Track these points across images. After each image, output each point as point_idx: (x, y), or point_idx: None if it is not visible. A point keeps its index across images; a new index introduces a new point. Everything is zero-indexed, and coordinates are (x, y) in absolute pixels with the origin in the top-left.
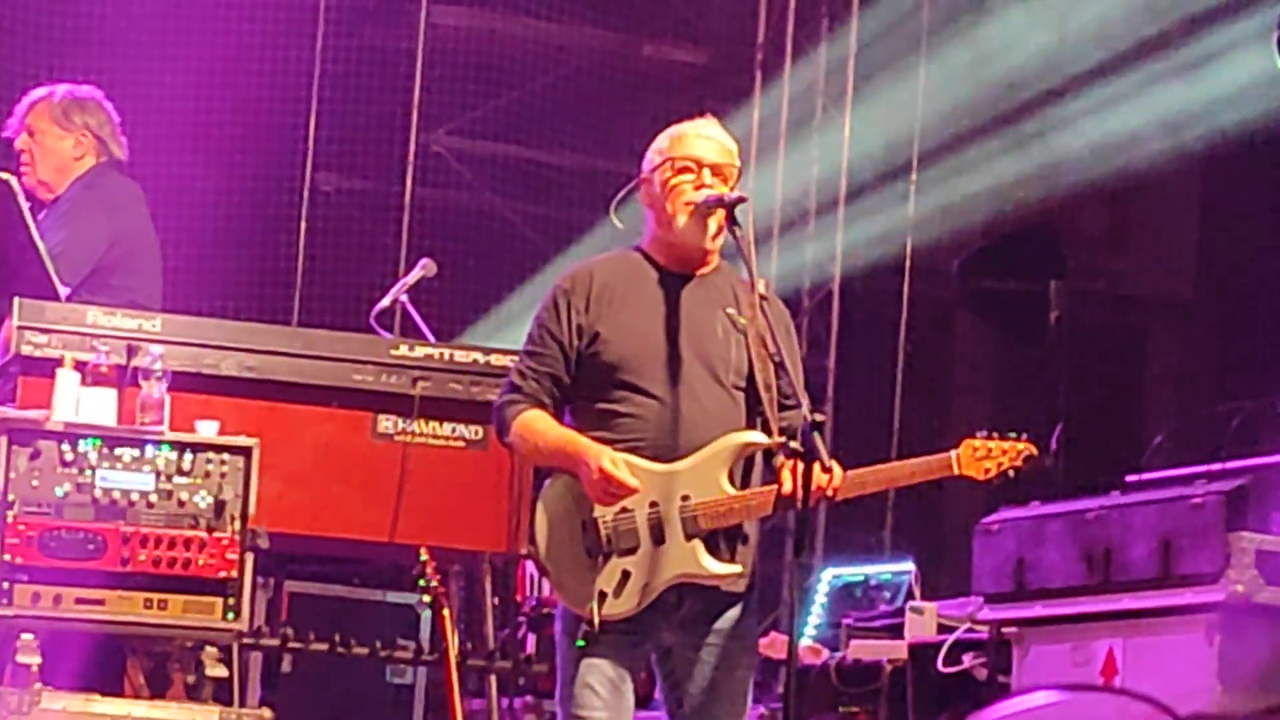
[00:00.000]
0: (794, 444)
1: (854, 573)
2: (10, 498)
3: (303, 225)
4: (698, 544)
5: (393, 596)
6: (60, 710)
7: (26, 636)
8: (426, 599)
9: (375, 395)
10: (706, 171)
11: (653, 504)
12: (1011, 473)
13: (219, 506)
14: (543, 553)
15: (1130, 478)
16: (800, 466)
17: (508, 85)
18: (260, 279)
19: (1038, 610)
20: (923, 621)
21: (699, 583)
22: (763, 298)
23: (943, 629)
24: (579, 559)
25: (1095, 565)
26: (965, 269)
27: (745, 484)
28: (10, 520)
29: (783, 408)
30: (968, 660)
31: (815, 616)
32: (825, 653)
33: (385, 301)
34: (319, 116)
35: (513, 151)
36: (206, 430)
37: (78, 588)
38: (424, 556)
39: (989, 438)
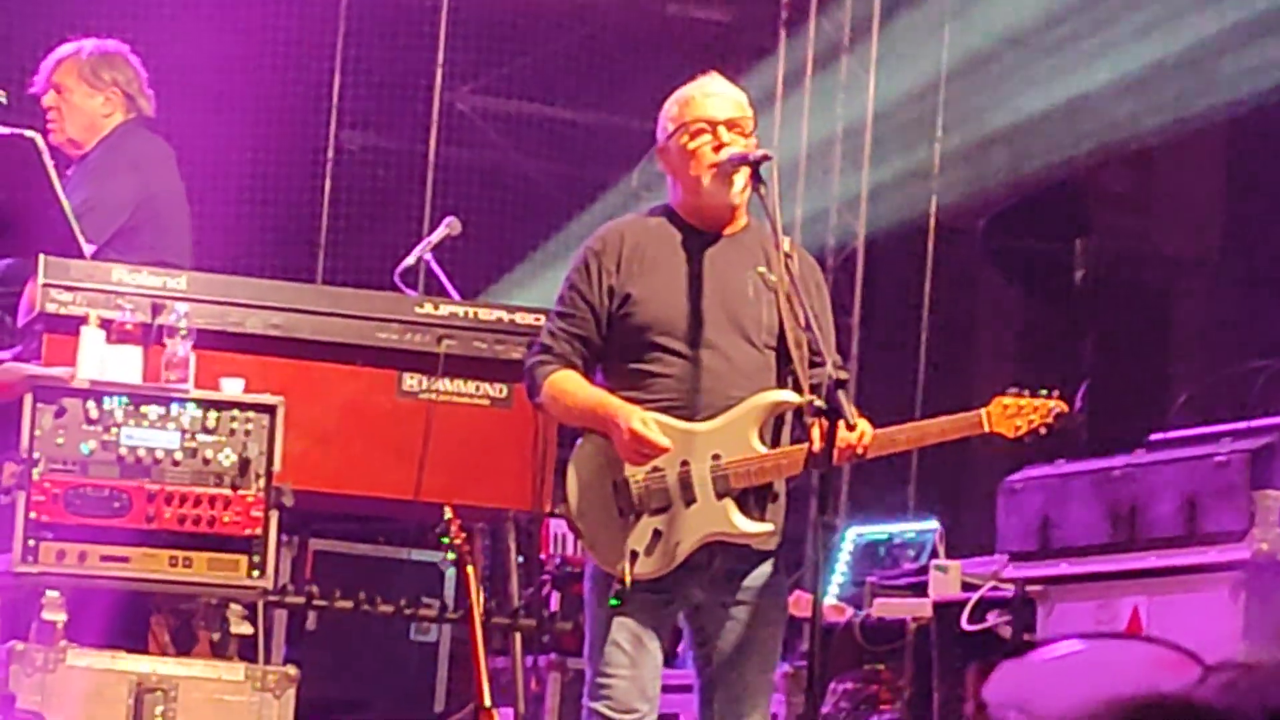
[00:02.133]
0: (819, 402)
1: (878, 531)
2: (36, 455)
3: (327, 184)
4: (729, 503)
5: (417, 554)
6: (85, 667)
7: (51, 594)
8: (451, 557)
9: (400, 353)
10: (722, 129)
11: (683, 463)
12: (1042, 430)
13: (244, 464)
14: (574, 512)
15: (1155, 436)
16: (826, 424)
17: (532, 43)
18: (285, 237)
19: (1062, 568)
20: (947, 580)
21: (730, 541)
22: (788, 255)
23: (967, 587)
24: (611, 518)
25: (1120, 523)
26: (990, 228)
27: (776, 442)
28: (36, 478)
29: (812, 365)
30: (992, 618)
31: (839, 575)
32: (849, 611)
33: (410, 260)
34: (344, 75)
35: (537, 110)
36: (231, 388)
37: (103, 545)
38: (448, 514)
39: (1019, 395)
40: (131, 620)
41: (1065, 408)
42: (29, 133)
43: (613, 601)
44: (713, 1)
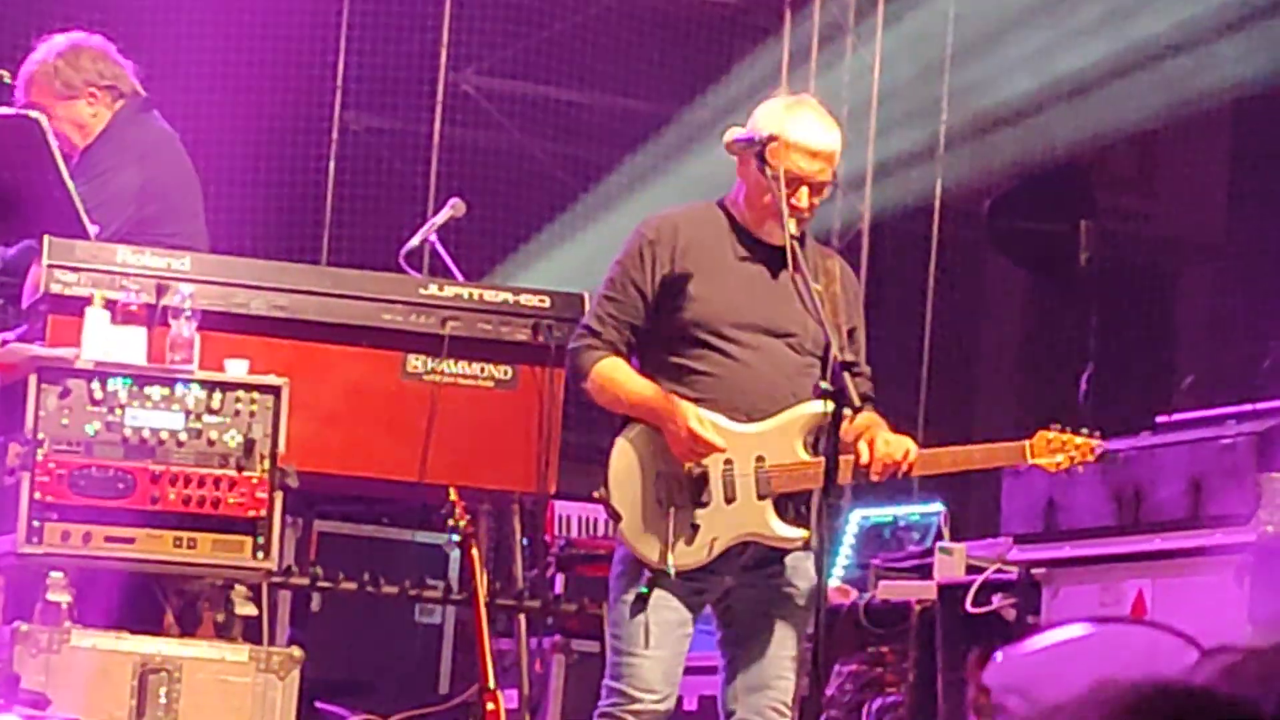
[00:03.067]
0: (824, 384)
1: (882, 513)
2: (40, 436)
3: (332, 165)
4: (768, 505)
5: (421, 536)
6: (90, 648)
7: (56, 574)
8: (455, 539)
9: (405, 335)
10: (804, 191)
11: (727, 461)
12: (1080, 468)
13: (248, 445)
14: (615, 498)
15: (1160, 418)
16: (831, 405)
17: (537, 24)
18: (290, 218)
19: (1067, 551)
20: (952, 562)
21: (765, 543)
22: (831, 265)
23: (971, 570)
24: (650, 508)
25: (1125, 506)
26: (995, 209)
27: (816, 452)
28: (40, 459)
29: (857, 374)
30: (997, 601)
31: (844, 557)
32: (854, 593)
33: (414, 241)
34: (348, 56)
35: (542, 91)
36: (236, 369)
37: (107, 526)
38: (453, 496)
39: (1063, 430)
40: (136, 601)
41: (1105, 447)
42: (33, 113)
43: (643, 590)
44: None
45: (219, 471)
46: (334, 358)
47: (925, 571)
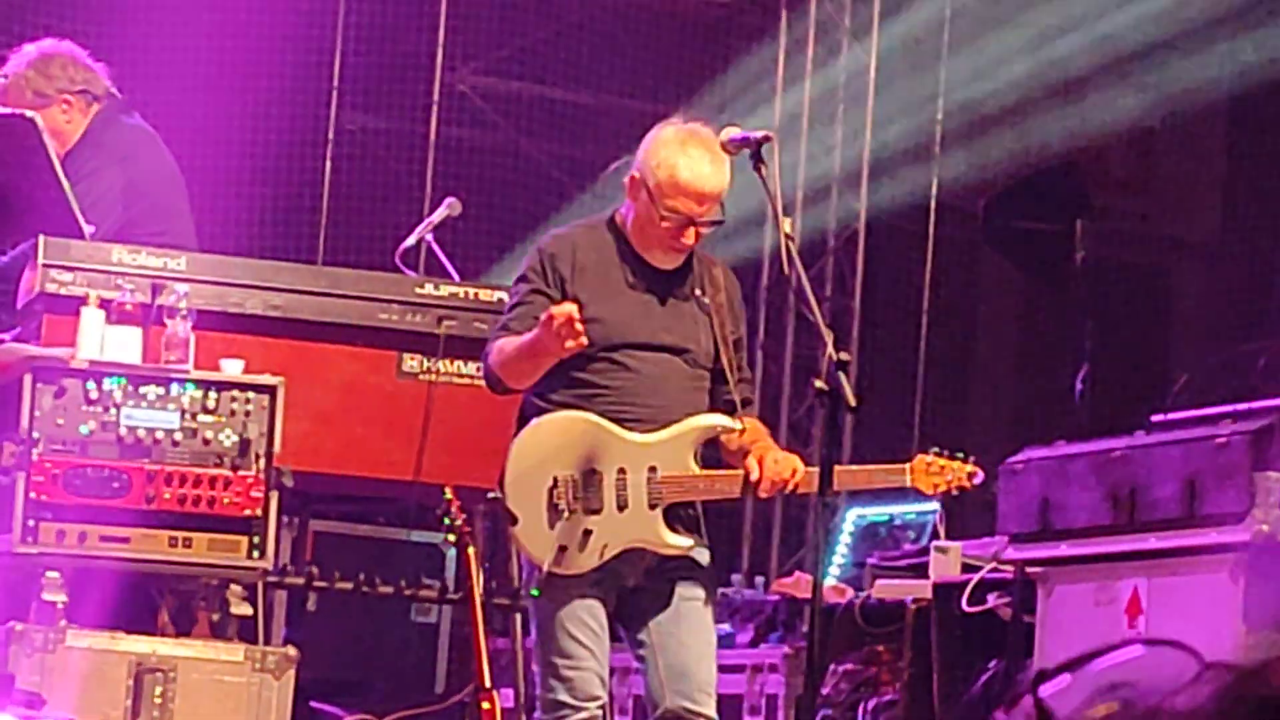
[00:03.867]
0: (820, 383)
1: (878, 512)
2: (35, 436)
3: (328, 164)
4: (659, 514)
5: (417, 535)
6: (85, 648)
7: (52, 574)
8: (451, 538)
9: (400, 334)
10: (692, 231)
11: (620, 470)
12: (955, 491)
13: (244, 445)
14: (510, 501)
15: (1156, 417)
16: (828, 405)
17: (533, 24)
18: (285, 218)
19: (1062, 550)
20: (947, 561)
21: (654, 551)
22: (714, 276)
23: (967, 568)
24: (544, 512)
25: (1120, 505)
26: (990, 208)
27: (706, 464)
28: (35, 458)
29: (741, 380)
30: (992, 600)
31: (839, 556)
32: (849, 592)
33: (410, 240)
34: (344, 55)
35: (538, 90)
36: (231, 369)
37: (103, 525)
38: (448, 495)
39: (939, 455)
40: (131, 601)
41: (981, 474)
42: (28, 113)
43: (534, 592)
44: None
45: (214, 471)
46: (330, 357)
47: (921, 570)
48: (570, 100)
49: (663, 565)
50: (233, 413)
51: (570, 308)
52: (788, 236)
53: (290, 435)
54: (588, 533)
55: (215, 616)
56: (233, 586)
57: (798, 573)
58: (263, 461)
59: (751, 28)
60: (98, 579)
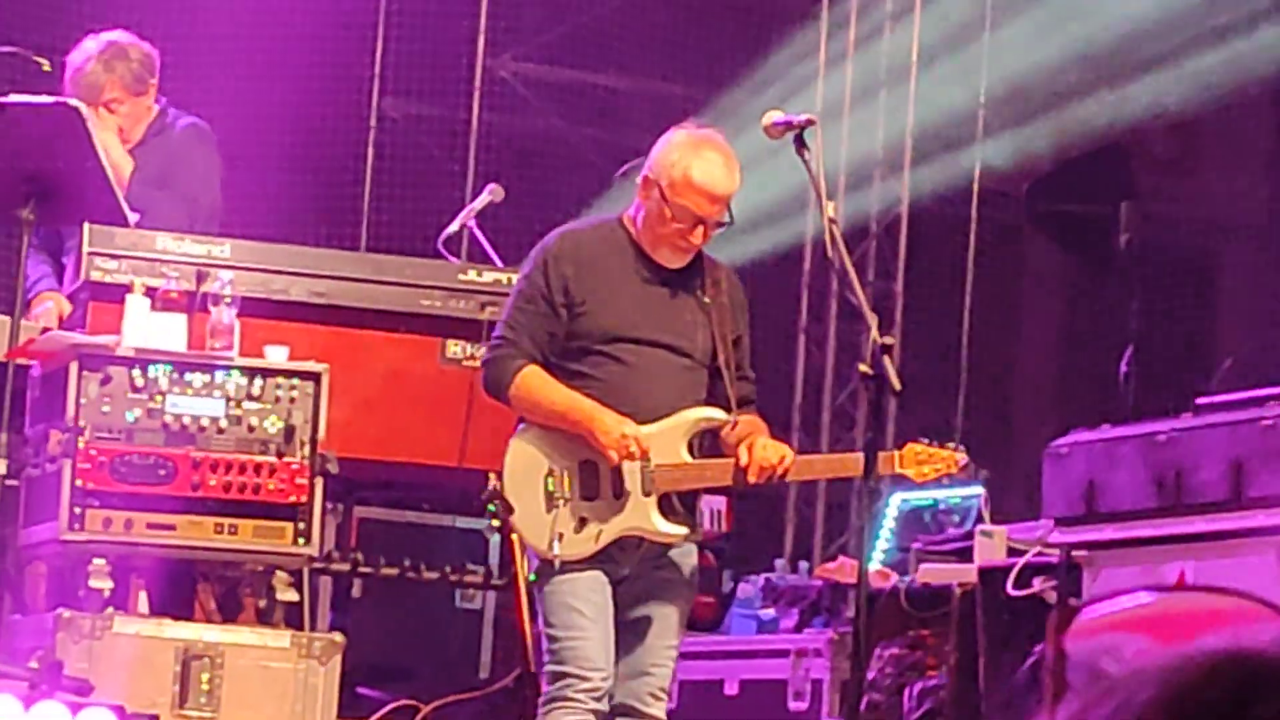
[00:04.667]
0: (864, 367)
1: (923, 497)
2: (81, 423)
3: (370, 151)
4: (652, 502)
5: (461, 522)
6: (132, 635)
7: (98, 561)
8: (495, 524)
9: (443, 320)
10: (700, 230)
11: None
12: (945, 479)
13: (289, 432)
14: (508, 491)
15: (1201, 400)
16: (872, 390)
17: (574, 10)
18: (328, 205)
19: (1108, 533)
20: (992, 545)
21: (646, 538)
22: (715, 280)
23: (1012, 552)
24: (541, 501)
25: (1166, 488)
26: (1034, 192)
27: (696, 454)
28: (81, 446)
29: (740, 379)
30: (1038, 584)
31: (884, 541)
32: (894, 577)
33: (453, 227)
34: (386, 43)
35: (579, 76)
36: (276, 356)
37: (148, 513)
38: (493, 481)
39: (929, 444)
40: (178, 588)
41: (967, 463)
42: (72, 101)
43: (532, 577)
44: None
45: (259, 458)
46: (373, 343)
47: (966, 555)
48: (612, 85)
49: (654, 560)
50: (277, 399)
51: (645, 447)
52: (831, 220)
53: (334, 422)
54: (584, 520)
55: (261, 603)
56: (278, 573)
57: (842, 557)
58: (307, 448)
59: (793, 11)
60: (144, 566)
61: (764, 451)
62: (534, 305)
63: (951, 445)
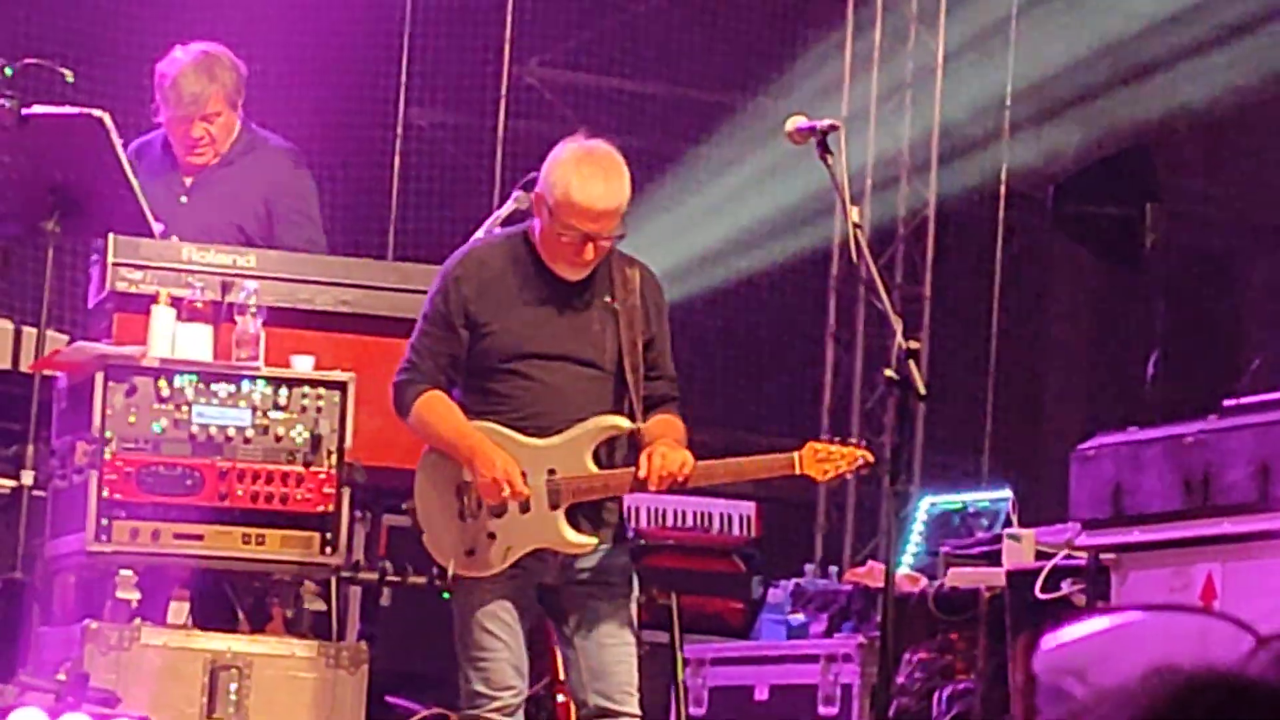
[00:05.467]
0: (890, 372)
1: (951, 500)
2: (108, 434)
3: (396, 160)
4: (560, 515)
5: None
6: (160, 645)
7: (125, 572)
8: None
9: None
10: (591, 247)
11: (522, 474)
12: (849, 475)
13: (315, 441)
14: (419, 509)
15: (1228, 402)
16: (899, 394)
17: (599, 15)
18: (355, 214)
19: (1136, 536)
20: (1020, 548)
21: (557, 549)
22: (633, 282)
23: (1041, 556)
24: (449, 519)
25: (1193, 490)
26: (1060, 194)
27: (610, 463)
28: (108, 457)
29: (650, 379)
30: (1066, 587)
31: (913, 545)
32: (923, 581)
33: (479, 234)
34: (411, 51)
35: (605, 82)
36: (302, 365)
37: (176, 523)
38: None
39: (830, 442)
40: (205, 598)
41: (870, 458)
42: (96, 112)
43: (444, 595)
44: None
45: (286, 467)
46: (400, 352)
47: (994, 558)
48: (638, 91)
49: (574, 565)
50: (304, 409)
51: (522, 491)
52: (856, 225)
53: (361, 431)
54: (492, 535)
55: (289, 613)
56: (306, 583)
57: (871, 562)
58: (334, 457)
59: (819, 14)
60: (171, 577)
61: (662, 460)
62: (436, 328)
63: (854, 441)
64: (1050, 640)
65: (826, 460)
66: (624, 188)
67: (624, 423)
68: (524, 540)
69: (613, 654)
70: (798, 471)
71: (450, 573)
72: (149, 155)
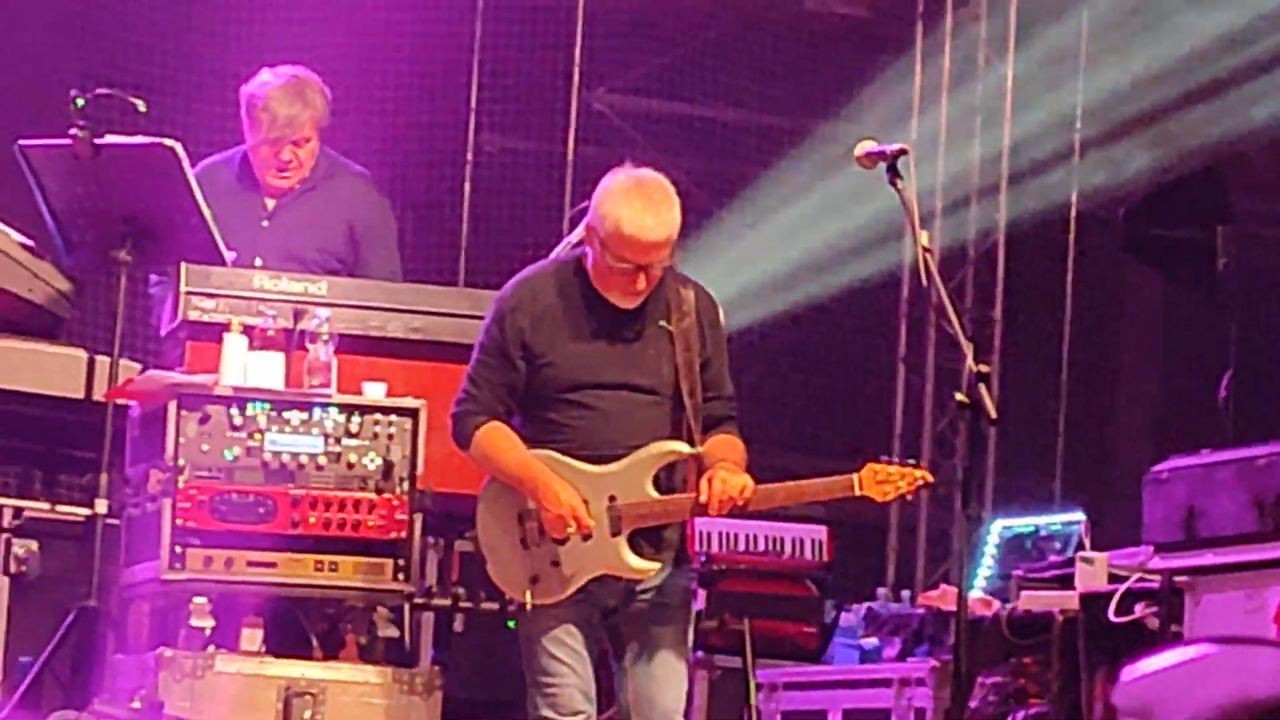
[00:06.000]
0: (960, 396)
1: (1024, 524)
2: (180, 462)
3: (467, 186)
4: (622, 541)
5: None
6: (234, 673)
7: (199, 600)
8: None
9: None
10: (642, 277)
11: (584, 502)
12: (909, 496)
13: (387, 468)
14: (482, 541)
15: None
16: (969, 417)
17: (668, 42)
18: (426, 240)
19: (1209, 558)
20: (1093, 572)
21: (620, 576)
22: (682, 303)
23: (1114, 579)
24: (513, 549)
25: (1266, 512)
26: (1131, 216)
27: (670, 487)
28: (181, 485)
29: (708, 399)
30: (1139, 610)
31: (985, 568)
32: (996, 604)
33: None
34: (481, 78)
35: (674, 108)
36: (374, 392)
37: (249, 551)
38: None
39: (889, 463)
40: (279, 625)
41: (930, 478)
42: (168, 141)
43: (509, 623)
44: None
45: (359, 494)
46: None
47: (1067, 581)
48: (707, 116)
49: (636, 590)
50: (375, 436)
51: (588, 524)
52: (925, 250)
53: (433, 457)
54: (555, 563)
55: (362, 639)
56: (379, 609)
57: (944, 585)
58: (406, 484)
59: (887, 40)
60: (245, 604)
61: (722, 485)
62: (493, 359)
63: (912, 462)
64: (1129, 673)
65: (886, 481)
66: (674, 218)
67: (683, 448)
68: (587, 567)
69: (661, 682)
70: (857, 493)
71: (522, 602)
72: (224, 176)
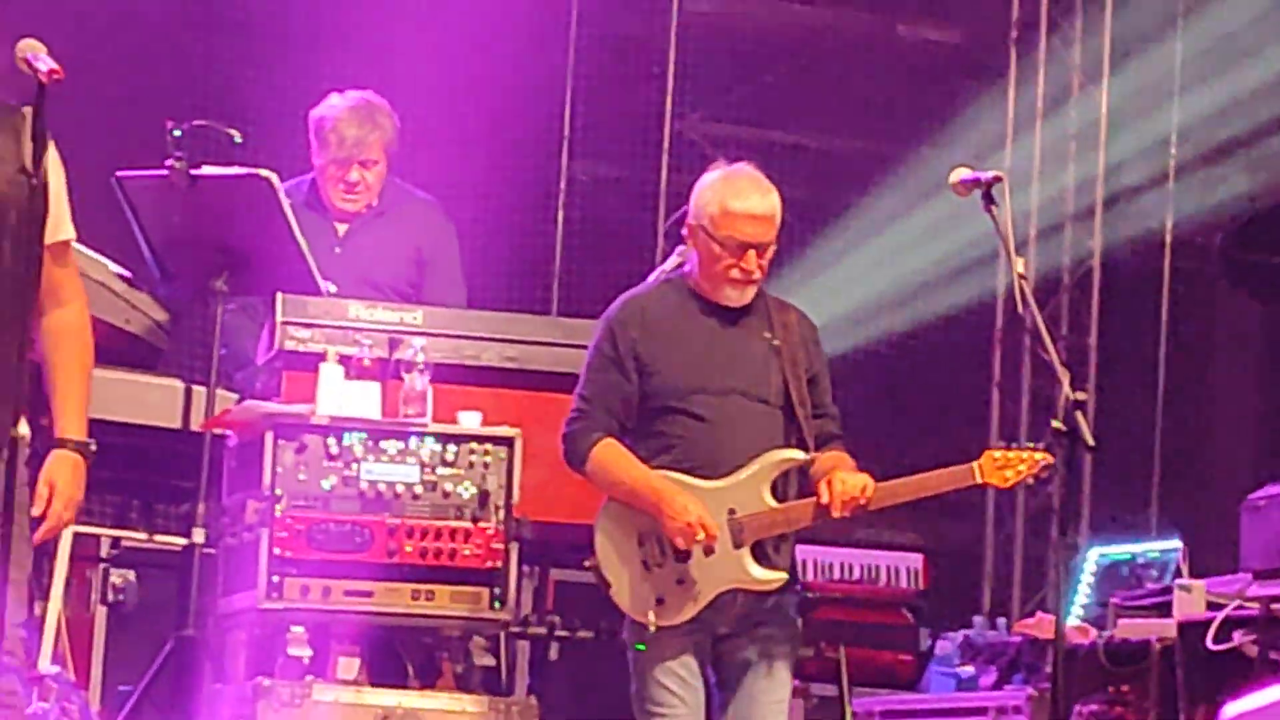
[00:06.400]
0: (1056, 423)
1: (1121, 551)
2: (278, 492)
3: (560, 215)
4: (745, 553)
5: None
6: (332, 702)
7: (296, 629)
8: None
9: None
10: (750, 255)
11: None
12: (1030, 480)
13: (483, 497)
14: (603, 565)
15: None
16: (1065, 444)
17: (760, 69)
18: (519, 269)
19: None
20: (1191, 599)
21: (747, 588)
22: (785, 322)
23: (1212, 606)
24: (636, 569)
25: None
26: (1228, 243)
27: (785, 495)
28: (278, 514)
29: (816, 416)
30: (1238, 638)
31: (1082, 596)
32: (1093, 632)
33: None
34: (574, 106)
35: (767, 136)
36: (469, 421)
37: (346, 580)
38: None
39: (1008, 448)
40: (376, 654)
41: (1051, 459)
42: (264, 172)
43: (639, 646)
44: (943, 22)
45: (455, 523)
46: (565, 407)
47: (1165, 609)
48: (800, 144)
49: (751, 615)
50: (471, 465)
51: (715, 533)
52: (1021, 276)
53: (528, 486)
54: (681, 581)
55: (459, 668)
56: (475, 638)
57: (1040, 613)
58: (502, 513)
59: (981, 67)
60: (342, 634)
61: (843, 485)
62: (605, 373)
63: (1031, 445)
64: (1231, 710)
65: (1006, 466)
66: (777, 199)
67: (799, 454)
68: (713, 583)
69: (762, 710)
70: (979, 481)
71: (652, 626)
72: (293, 201)
